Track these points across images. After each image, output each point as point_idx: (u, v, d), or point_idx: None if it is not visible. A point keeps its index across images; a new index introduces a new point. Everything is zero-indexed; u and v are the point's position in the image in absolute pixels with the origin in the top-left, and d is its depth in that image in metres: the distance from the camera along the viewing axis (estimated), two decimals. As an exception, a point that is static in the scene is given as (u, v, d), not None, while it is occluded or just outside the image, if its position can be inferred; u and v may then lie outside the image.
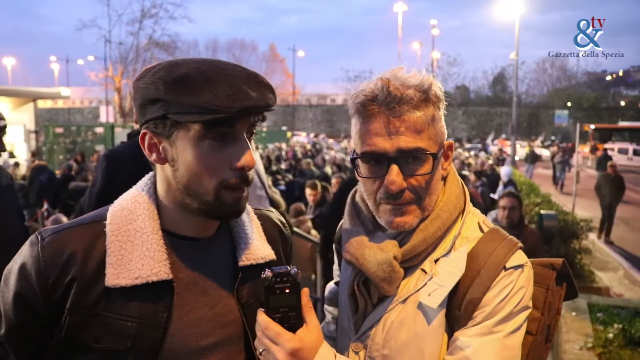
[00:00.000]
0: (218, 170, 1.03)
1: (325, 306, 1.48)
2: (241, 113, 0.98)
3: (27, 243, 1.06)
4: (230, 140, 1.03)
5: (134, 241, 1.05)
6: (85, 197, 3.24)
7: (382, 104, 1.09)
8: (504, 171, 11.32)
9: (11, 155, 15.44)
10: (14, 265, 1.06)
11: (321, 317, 1.53)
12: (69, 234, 1.05)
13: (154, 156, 1.06)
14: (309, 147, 26.01)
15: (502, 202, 4.88)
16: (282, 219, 1.38)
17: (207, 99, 0.95)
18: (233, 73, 1.00)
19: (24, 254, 1.05)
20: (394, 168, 1.09)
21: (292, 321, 1.00)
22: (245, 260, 1.15)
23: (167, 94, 0.98)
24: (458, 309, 1.11)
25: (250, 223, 1.22)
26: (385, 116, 1.09)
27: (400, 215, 1.13)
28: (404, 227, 1.13)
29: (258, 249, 1.18)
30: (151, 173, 1.16)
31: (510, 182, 10.26)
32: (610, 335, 4.99)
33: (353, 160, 1.17)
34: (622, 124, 38.83)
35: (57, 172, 10.16)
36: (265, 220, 1.29)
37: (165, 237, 1.09)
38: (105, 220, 1.08)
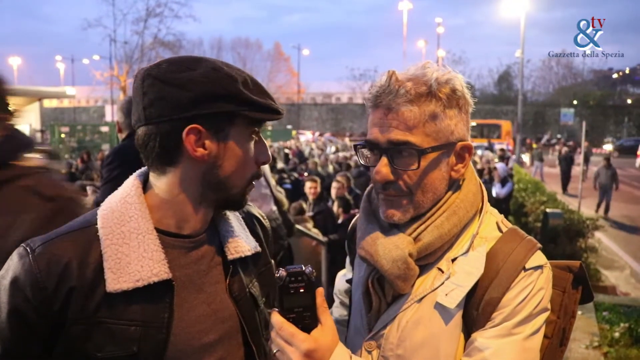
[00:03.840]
0: (253, 165, 1.11)
1: (335, 292, 1.48)
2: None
3: (13, 257, 1.00)
4: (258, 138, 1.12)
5: (129, 243, 1.03)
6: None
7: (383, 96, 1.11)
8: (500, 168, 11.26)
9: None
10: (2, 282, 1.00)
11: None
12: (61, 242, 1.01)
13: (199, 152, 1.03)
14: (314, 145, 25.86)
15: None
16: (261, 212, 1.41)
17: (271, 101, 1.07)
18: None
19: (13, 268, 0.99)
20: (383, 159, 1.12)
21: (306, 321, 0.98)
22: (234, 253, 1.16)
23: (240, 91, 1.02)
24: (476, 310, 1.09)
25: (234, 218, 1.24)
26: (384, 108, 1.11)
27: (390, 207, 1.15)
28: (392, 219, 1.15)
29: (244, 241, 1.19)
30: (135, 174, 1.13)
31: (508, 177, 10.19)
32: (617, 335, 4.98)
33: (355, 147, 1.21)
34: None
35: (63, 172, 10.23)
36: (246, 215, 1.31)
37: (159, 236, 1.07)
38: (96, 224, 1.04)
